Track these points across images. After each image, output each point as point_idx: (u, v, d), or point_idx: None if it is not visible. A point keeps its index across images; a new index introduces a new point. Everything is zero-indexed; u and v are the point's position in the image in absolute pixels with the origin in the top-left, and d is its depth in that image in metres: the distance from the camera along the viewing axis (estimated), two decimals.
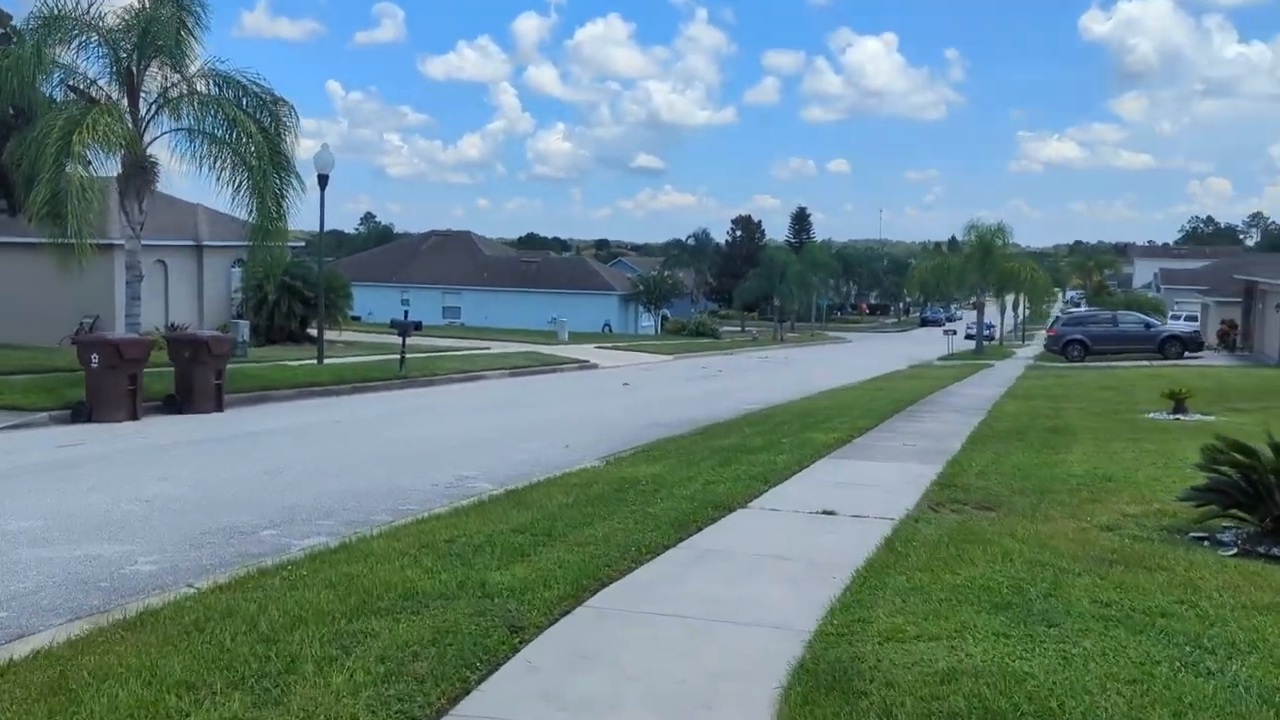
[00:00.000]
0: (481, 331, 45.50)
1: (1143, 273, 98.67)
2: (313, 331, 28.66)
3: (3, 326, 25.96)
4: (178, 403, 16.10)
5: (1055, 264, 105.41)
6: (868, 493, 8.98)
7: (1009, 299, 65.11)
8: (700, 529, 7.40)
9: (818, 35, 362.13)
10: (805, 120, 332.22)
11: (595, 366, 30.71)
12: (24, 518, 8.24)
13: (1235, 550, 6.74)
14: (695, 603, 5.57)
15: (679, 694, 4.29)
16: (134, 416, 14.98)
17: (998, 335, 64.83)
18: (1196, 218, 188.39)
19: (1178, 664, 4.49)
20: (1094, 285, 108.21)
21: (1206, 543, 6.98)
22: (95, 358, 14.85)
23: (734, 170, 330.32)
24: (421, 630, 4.94)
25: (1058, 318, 50.82)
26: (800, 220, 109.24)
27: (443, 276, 66.13)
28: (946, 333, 51.18)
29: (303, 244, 34.20)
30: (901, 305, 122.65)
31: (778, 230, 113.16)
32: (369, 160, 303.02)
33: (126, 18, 18.00)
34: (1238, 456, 6.97)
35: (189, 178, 37.00)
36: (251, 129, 17.67)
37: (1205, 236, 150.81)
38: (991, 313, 56.59)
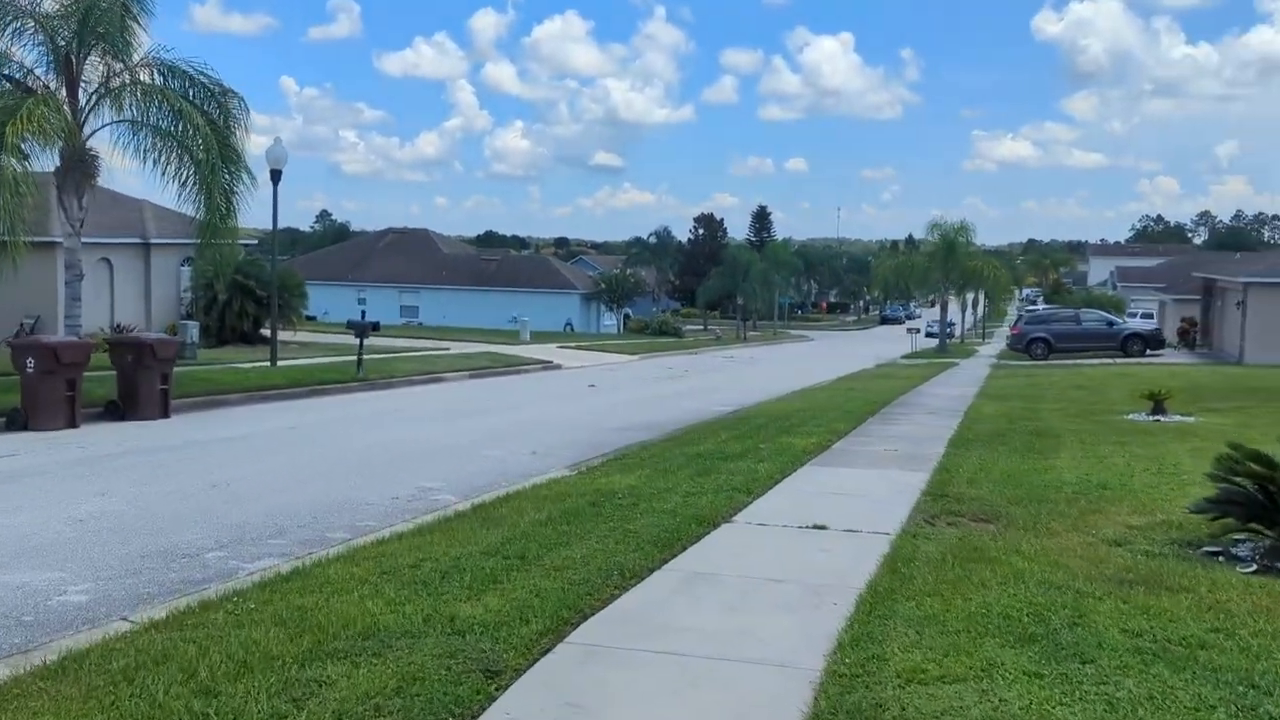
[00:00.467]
0: (441, 331, 44.53)
1: (1098, 271, 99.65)
2: (266, 332, 27.73)
3: None
4: (120, 409, 15.29)
5: (1011, 262, 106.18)
6: (856, 503, 8.54)
7: (970, 297, 65.48)
8: (685, 548, 6.89)
9: (775, 34, 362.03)
10: (763, 119, 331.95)
11: (559, 367, 30.10)
12: None
13: (1255, 567, 6.36)
14: (688, 637, 5.05)
15: None
16: (73, 425, 14.17)
17: (959, 333, 65.16)
18: (1147, 216, 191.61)
19: (1234, 708, 4.04)
20: (1051, 284, 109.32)
21: (1221, 558, 6.59)
22: (31, 362, 14.02)
23: (693, 168, 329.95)
24: (384, 677, 4.37)
25: (1021, 316, 51.07)
26: (761, 219, 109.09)
27: (400, 275, 64.81)
28: (910, 331, 51.20)
29: (255, 242, 33.22)
30: (862, 304, 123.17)
31: (738, 229, 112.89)
32: (324, 157, 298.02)
33: (65, 3, 17.12)
34: (1255, 467, 6.58)
35: (135, 174, 35.80)
36: (199, 121, 16.84)
37: (1156, 235, 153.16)
38: (952, 311, 56.71)
